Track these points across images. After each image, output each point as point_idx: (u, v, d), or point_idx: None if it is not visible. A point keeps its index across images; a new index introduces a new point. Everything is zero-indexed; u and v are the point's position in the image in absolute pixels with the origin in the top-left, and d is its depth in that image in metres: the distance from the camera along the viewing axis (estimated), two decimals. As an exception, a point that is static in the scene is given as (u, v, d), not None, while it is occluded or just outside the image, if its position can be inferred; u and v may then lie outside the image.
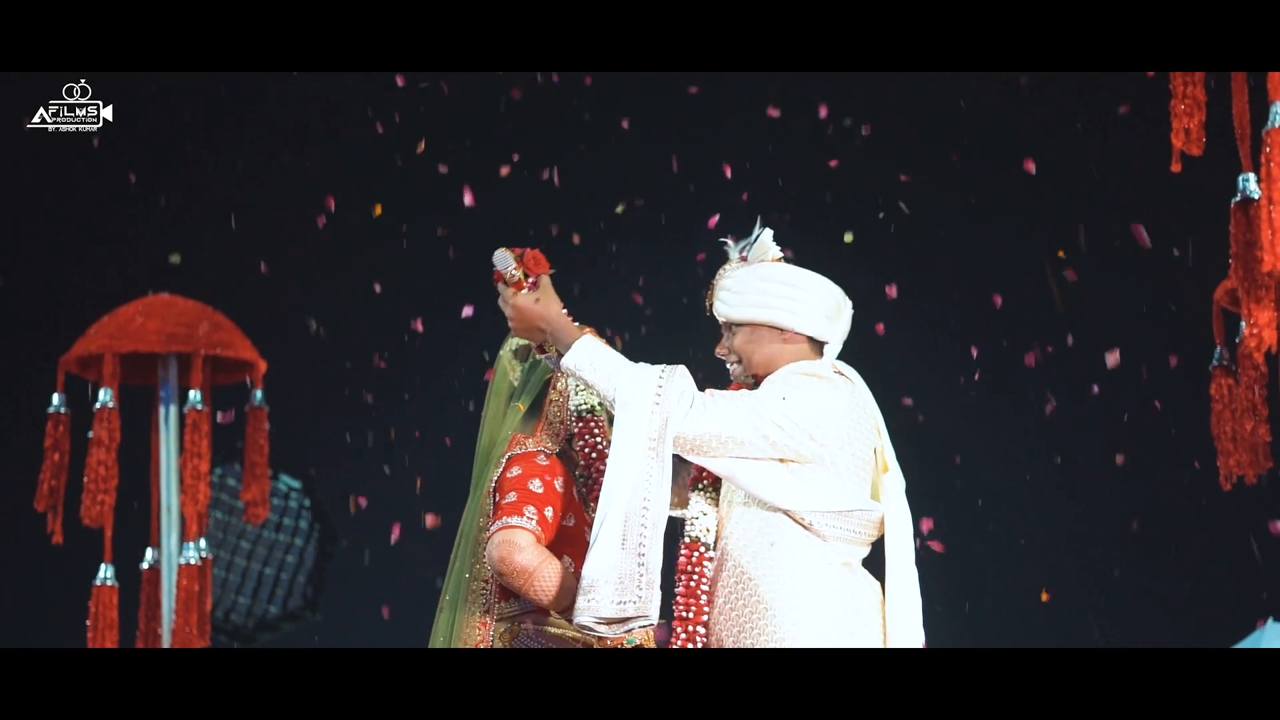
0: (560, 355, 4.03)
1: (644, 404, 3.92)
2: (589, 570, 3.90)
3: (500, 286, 4.04)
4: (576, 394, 4.21)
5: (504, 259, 4.03)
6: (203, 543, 6.87)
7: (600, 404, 4.20)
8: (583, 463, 4.19)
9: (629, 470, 3.91)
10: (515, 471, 4.08)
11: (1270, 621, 6.64)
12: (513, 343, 4.28)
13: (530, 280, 4.03)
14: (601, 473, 4.10)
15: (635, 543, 3.89)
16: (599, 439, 4.19)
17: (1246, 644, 6.88)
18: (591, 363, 3.98)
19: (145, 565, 6.94)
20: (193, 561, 6.82)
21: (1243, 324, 5.89)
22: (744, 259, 4.18)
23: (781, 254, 4.18)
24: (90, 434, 6.73)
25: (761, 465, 3.96)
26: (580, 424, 4.20)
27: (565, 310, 4.05)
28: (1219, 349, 6.11)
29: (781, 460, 3.96)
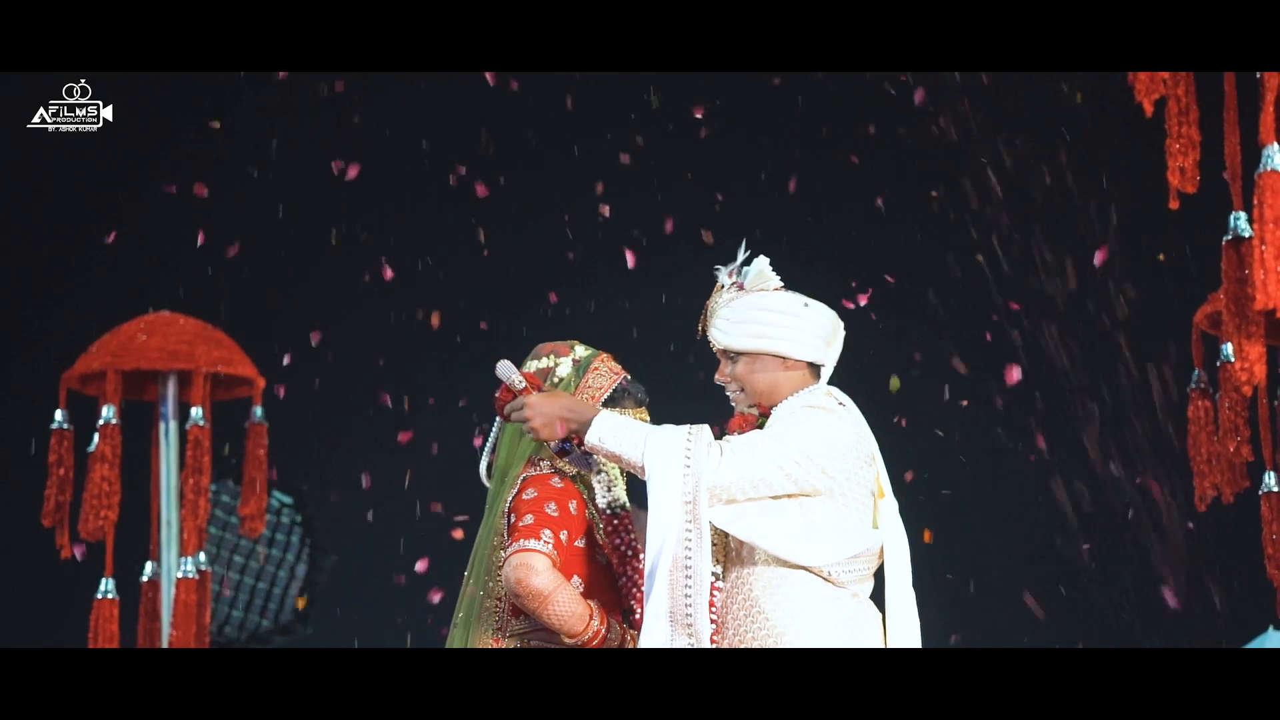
0: (582, 455, 4.09)
1: (675, 467, 3.95)
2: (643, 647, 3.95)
3: (509, 403, 4.11)
4: (600, 496, 4.23)
5: (508, 370, 4.11)
6: (201, 556, 6.93)
7: (628, 500, 4.23)
8: (616, 560, 4.21)
9: (670, 539, 3.94)
10: (531, 493, 4.11)
11: (1271, 629, 6.72)
12: (531, 364, 4.29)
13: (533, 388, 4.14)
14: (638, 570, 4.16)
15: (682, 614, 3.94)
16: (632, 536, 4.21)
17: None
18: (614, 434, 4.01)
19: (145, 578, 7.01)
20: (191, 575, 6.89)
21: (1225, 346, 6.03)
22: (739, 285, 4.18)
23: (781, 282, 4.19)
24: (92, 449, 6.80)
25: (780, 527, 3.99)
26: (616, 522, 4.22)
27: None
28: (1197, 372, 6.23)
29: (791, 496, 4.00)
